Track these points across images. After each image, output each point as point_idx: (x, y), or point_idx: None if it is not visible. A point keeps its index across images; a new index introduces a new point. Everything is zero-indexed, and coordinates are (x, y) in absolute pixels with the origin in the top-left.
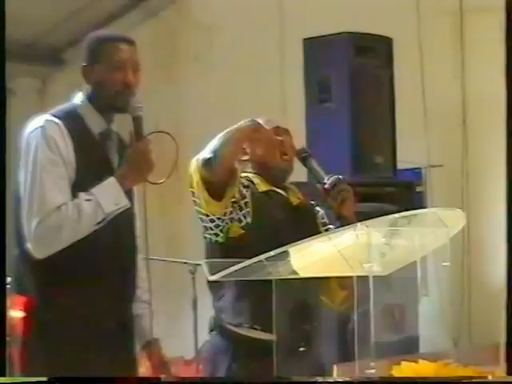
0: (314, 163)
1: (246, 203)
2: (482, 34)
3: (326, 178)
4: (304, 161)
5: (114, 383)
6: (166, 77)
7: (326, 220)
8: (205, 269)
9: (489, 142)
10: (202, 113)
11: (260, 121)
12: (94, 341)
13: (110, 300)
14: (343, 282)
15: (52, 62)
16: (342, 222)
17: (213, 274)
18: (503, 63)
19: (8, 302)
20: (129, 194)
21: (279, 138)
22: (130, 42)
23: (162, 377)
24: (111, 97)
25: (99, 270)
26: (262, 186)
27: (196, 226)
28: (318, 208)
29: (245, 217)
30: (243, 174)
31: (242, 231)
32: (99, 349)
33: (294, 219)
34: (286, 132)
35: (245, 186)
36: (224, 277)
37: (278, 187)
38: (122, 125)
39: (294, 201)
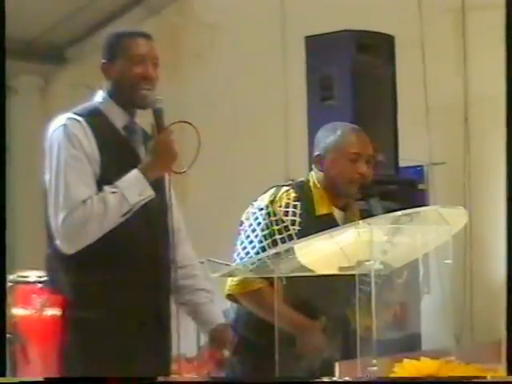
0: (375, 202)
1: (289, 235)
2: (484, 31)
3: None
4: (365, 197)
5: (116, 383)
6: (168, 75)
7: None
8: (207, 266)
9: (491, 140)
10: (203, 111)
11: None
12: (129, 336)
13: (143, 294)
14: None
15: (54, 60)
16: None
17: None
18: (505, 61)
19: (9, 299)
20: (160, 184)
21: (360, 164)
22: (148, 37)
23: (159, 378)
24: (132, 91)
25: (131, 264)
26: (322, 208)
27: (198, 223)
28: None
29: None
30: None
31: None
32: (135, 344)
33: None
34: (368, 159)
35: (293, 213)
36: (226, 274)
37: (339, 207)
38: (144, 118)
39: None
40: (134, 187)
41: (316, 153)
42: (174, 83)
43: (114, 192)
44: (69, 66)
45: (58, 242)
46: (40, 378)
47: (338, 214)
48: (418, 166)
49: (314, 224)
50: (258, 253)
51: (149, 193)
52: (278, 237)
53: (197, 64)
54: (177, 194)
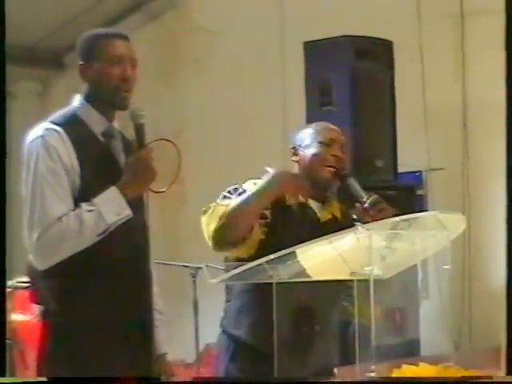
0: (353, 181)
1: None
2: (482, 37)
3: (365, 196)
4: (342, 179)
5: (114, 383)
6: (166, 80)
7: None
8: (205, 272)
9: (489, 145)
10: (202, 116)
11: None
12: (111, 344)
13: (124, 303)
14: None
15: (53, 66)
16: None
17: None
18: (504, 66)
19: (8, 305)
20: (138, 201)
21: (332, 149)
22: (125, 38)
23: (162, 377)
24: (110, 92)
25: (112, 273)
26: (292, 198)
27: (197, 228)
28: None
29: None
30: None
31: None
32: (117, 352)
33: (317, 236)
34: (341, 144)
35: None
36: (224, 280)
37: (314, 198)
38: (122, 123)
39: (323, 217)
40: (111, 206)
41: (291, 146)
42: (172, 88)
43: (90, 210)
44: (67, 71)
45: (31, 257)
46: (40, 378)
47: (314, 204)
48: (417, 172)
49: (285, 212)
50: None
51: (126, 212)
52: None
53: (195, 69)
54: (176, 199)
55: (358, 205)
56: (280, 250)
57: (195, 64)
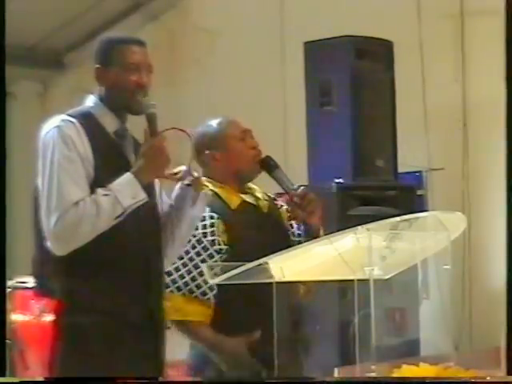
0: (281, 173)
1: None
2: (482, 37)
3: (294, 187)
4: (270, 170)
5: (115, 383)
6: (166, 80)
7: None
8: (205, 272)
9: (489, 145)
10: (202, 116)
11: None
12: (123, 337)
13: (136, 295)
14: None
15: (53, 66)
16: (309, 229)
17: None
18: (504, 66)
19: (8, 305)
20: (150, 190)
21: (249, 140)
22: (142, 44)
23: (160, 378)
24: (126, 98)
25: (123, 266)
26: (233, 200)
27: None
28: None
29: (220, 251)
30: (209, 191)
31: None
32: (128, 345)
33: (268, 228)
34: (251, 134)
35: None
36: (225, 280)
37: (244, 192)
38: (134, 126)
39: (264, 207)
40: (127, 190)
41: (205, 152)
42: (172, 88)
43: (106, 194)
44: (67, 71)
45: (49, 244)
46: (40, 378)
47: (248, 198)
48: (417, 172)
49: (234, 217)
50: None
51: (142, 196)
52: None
53: (195, 69)
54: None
55: (286, 195)
56: (242, 255)
57: (195, 64)
